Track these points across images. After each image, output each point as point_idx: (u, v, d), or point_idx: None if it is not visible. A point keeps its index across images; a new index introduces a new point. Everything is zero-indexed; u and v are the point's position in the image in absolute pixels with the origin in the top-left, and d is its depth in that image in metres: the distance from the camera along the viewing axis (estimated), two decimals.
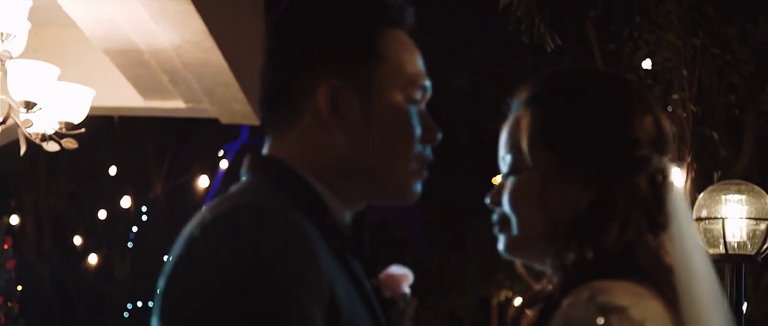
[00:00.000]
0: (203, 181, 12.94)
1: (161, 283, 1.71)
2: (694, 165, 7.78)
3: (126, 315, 12.78)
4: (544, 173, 1.87)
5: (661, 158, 1.86)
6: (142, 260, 12.77)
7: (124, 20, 6.40)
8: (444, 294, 16.76)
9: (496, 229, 1.96)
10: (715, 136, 7.83)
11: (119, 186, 12.75)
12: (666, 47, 7.88)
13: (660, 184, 1.84)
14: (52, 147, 6.12)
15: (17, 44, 5.70)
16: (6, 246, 8.39)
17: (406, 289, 1.99)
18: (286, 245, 1.64)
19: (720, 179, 7.21)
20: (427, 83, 1.89)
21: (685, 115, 7.74)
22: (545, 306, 1.83)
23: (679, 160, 7.92)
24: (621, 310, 1.68)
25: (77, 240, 13.11)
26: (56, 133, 6.08)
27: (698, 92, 7.84)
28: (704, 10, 7.66)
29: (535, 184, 1.88)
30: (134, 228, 12.81)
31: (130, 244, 12.91)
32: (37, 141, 6.11)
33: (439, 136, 1.89)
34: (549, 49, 6.32)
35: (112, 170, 12.79)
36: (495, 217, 1.96)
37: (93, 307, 12.93)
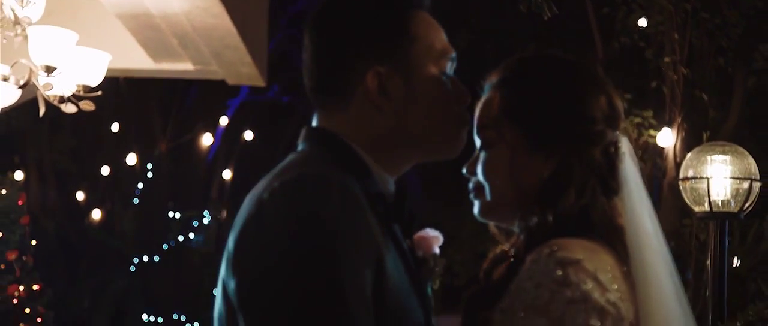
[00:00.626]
0: (206, 139, 13.11)
1: (232, 239, 1.99)
2: (684, 125, 8.02)
3: (132, 269, 12.98)
4: (512, 147, 2.14)
5: (614, 132, 2.14)
6: (147, 216, 12.99)
7: None
8: (442, 249, 16.98)
9: (471, 195, 2.23)
10: (705, 97, 8.05)
11: (123, 144, 12.92)
12: (658, 11, 8.10)
13: (612, 155, 2.12)
14: (70, 109, 6.36)
15: (36, 10, 5.93)
16: (20, 203, 8.65)
17: (436, 250, 2.29)
18: (344, 212, 1.92)
19: (709, 139, 7.44)
20: (454, 54, 2.19)
21: (675, 77, 7.97)
22: (513, 261, 2.11)
23: (669, 121, 8.18)
24: (576, 263, 1.95)
25: (82, 196, 13.29)
26: (74, 96, 6.33)
27: (689, 55, 8.05)
28: None
29: (505, 157, 2.15)
30: (140, 185, 12.98)
31: (135, 200, 13.09)
32: (56, 103, 6.35)
33: (470, 98, 2.19)
34: (546, 18, 6.58)
35: (115, 127, 12.93)
36: (471, 185, 2.23)
37: (99, 261, 13.14)
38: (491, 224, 2.25)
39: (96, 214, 13.12)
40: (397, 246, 2.07)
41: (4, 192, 8.52)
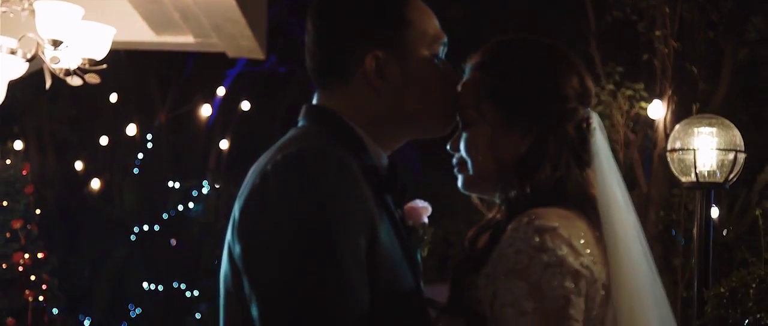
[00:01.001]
0: (205, 110, 13.26)
1: (237, 207, 2.18)
2: (675, 97, 8.19)
3: (133, 238, 13.16)
4: (492, 125, 2.32)
5: (585, 109, 2.33)
6: (147, 186, 13.16)
7: None
8: (438, 218, 17.14)
9: (455, 170, 2.41)
10: (695, 70, 8.23)
11: (123, 115, 13.05)
12: None
13: (584, 130, 2.31)
14: (75, 81, 6.53)
15: None
16: (24, 173, 8.81)
17: (425, 219, 2.48)
18: (340, 183, 2.12)
19: (699, 111, 7.63)
20: (445, 39, 2.37)
21: (666, 50, 8.15)
22: (495, 230, 2.29)
23: (660, 94, 8.36)
24: (552, 230, 2.14)
25: (81, 166, 13.42)
26: (79, 68, 6.49)
27: (680, 28, 8.23)
28: None
29: (485, 134, 2.33)
30: (140, 156, 13.14)
31: (136, 171, 13.25)
32: (62, 76, 6.52)
33: (460, 79, 2.38)
34: None
35: (113, 97, 13.03)
36: (454, 160, 2.41)
37: (100, 230, 13.31)
38: (474, 196, 2.44)
39: (96, 184, 13.26)
40: (390, 216, 2.26)
41: (8, 162, 8.68)
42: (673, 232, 8.39)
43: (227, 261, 2.21)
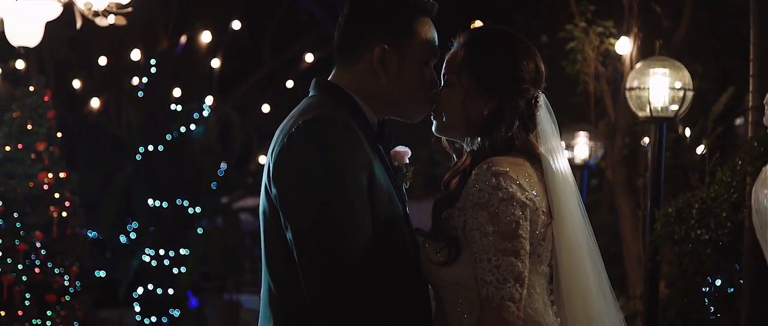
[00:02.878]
0: (206, 37, 13.76)
1: (271, 159, 3.03)
2: (640, 34, 8.98)
3: (138, 157, 13.84)
4: (466, 89, 3.13)
5: (537, 89, 3.15)
6: (152, 109, 13.77)
7: None
8: (424, 140, 17.82)
9: (432, 116, 3.22)
10: (658, 9, 9.01)
11: (128, 41, 13.41)
12: None
13: (533, 105, 3.14)
14: (103, 22, 7.32)
15: None
16: (46, 98, 9.49)
17: (407, 160, 3.32)
18: (345, 139, 2.97)
19: (661, 47, 8.43)
20: (438, 54, 3.18)
21: None
22: (463, 174, 3.14)
23: (627, 31, 9.14)
24: (505, 173, 2.96)
25: (80, 85, 13.81)
26: (106, 10, 7.27)
27: None
28: None
29: (459, 94, 3.14)
30: (145, 79, 13.68)
31: (140, 94, 13.83)
32: (91, 17, 7.29)
33: (439, 86, 3.19)
34: None
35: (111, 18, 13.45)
36: (433, 109, 3.21)
37: (108, 150, 13.99)
38: (443, 139, 3.27)
39: (96, 104, 13.70)
40: (381, 159, 3.13)
41: (31, 88, 9.32)
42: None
43: (265, 200, 3.09)
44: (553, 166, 3.09)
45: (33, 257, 8.83)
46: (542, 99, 3.18)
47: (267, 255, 3.08)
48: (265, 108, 15.53)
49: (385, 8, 3.14)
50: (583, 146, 10.25)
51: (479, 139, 3.08)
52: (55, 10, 7.17)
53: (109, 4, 7.21)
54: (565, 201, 3.05)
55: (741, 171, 5.65)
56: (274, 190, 3.00)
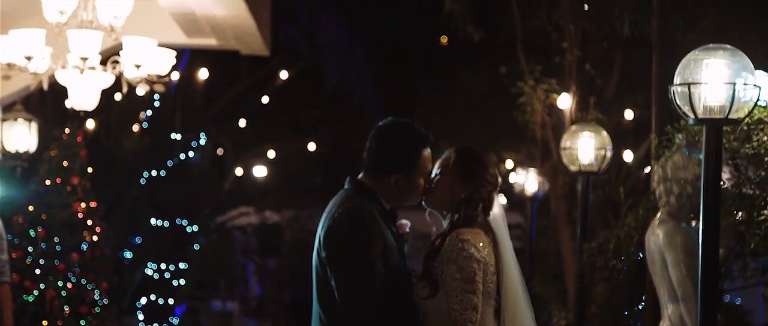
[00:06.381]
0: (203, 74, 15.37)
1: (322, 231, 4.68)
2: (578, 92, 10.75)
3: (142, 181, 15.37)
4: (452, 179, 4.72)
5: (495, 187, 4.82)
6: (154, 137, 15.30)
7: (193, 1, 9.32)
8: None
9: (423, 194, 4.75)
10: (592, 71, 10.76)
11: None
12: (559, 6, 10.81)
13: (492, 198, 4.78)
14: (144, 87, 9.03)
15: (122, 19, 8.55)
16: (79, 139, 11.07)
17: (407, 230, 5.09)
18: (371, 223, 4.63)
19: (595, 103, 10.24)
20: (430, 161, 4.81)
21: (571, 57, 10.69)
22: (443, 238, 4.67)
23: (567, 88, 10.94)
24: (467, 240, 4.53)
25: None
26: (147, 80, 8.94)
27: (582, 40, 10.74)
28: None
29: (447, 182, 4.72)
30: (148, 112, 15.21)
31: (145, 124, 15.36)
32: (135, 85, 8.98)
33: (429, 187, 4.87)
34: (475, 40, 9.41)
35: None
36: (426, 193, 4.77)
37: (114, 174, 15.48)
38: (428, 211, 4.82)
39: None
40: (390, 230, 4.76)
41: (67, 130, 10.93)
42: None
43: (317, 259, 4.68)
44: (501, 237, 4.69)
45: (69, 275, 10.29)
46: (496, 193, 4.90)
47: (318, 295, 4.68)
48: (241, 122, 16.86)
49: (402, 149, 4.71)
50: (532, 181, 12.22)
51: (455, 214, 4.68)
52: (110, 80, 8.82)
53: (150, 75, 8.84)
54: (507, 260, 4.64)
55: (643, 217, 7.40)
56: (324, 253, 4.60)
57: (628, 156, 12.54)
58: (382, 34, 21.02)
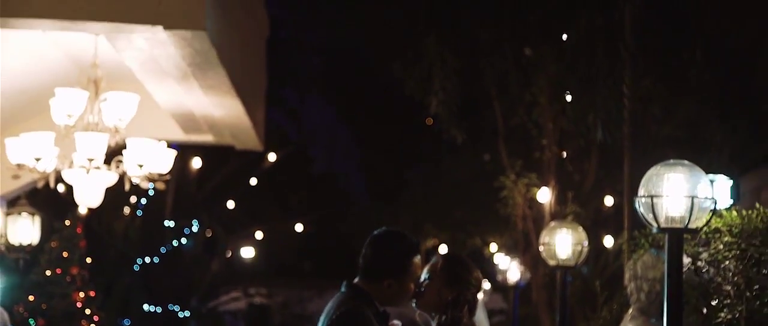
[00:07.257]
0: (196, 163, 15.95)
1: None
2: (557, 186, 11.37)
3: (136, 267, 15.87)
4: (439, 283, 5.28)
5: (478, 290, 5.46)
6: (148, 225, 15.82)
7: (192, 104, 9.88)
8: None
9: (414, 296, 5.27)
10: (570, 167, 11.42)
11: None
12: (538, 106, 11.47)
13: (475, 300, 5.42)
14: (145, 185, 9.50)
15: (126, 121, 9.05)
16: (78, 231, 11.56)
17: None
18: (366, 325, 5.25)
19: (573, 197, 10.82)
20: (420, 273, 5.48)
21: (550, 153, 11.34)
22: None
23: (547, 183, 11.55)
24: None
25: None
26: (148, 178, 9.41)
27: (560, 137, 11.39)
28: (566, 83, 11.09)
29: (435, 286, 5.23)
30: (143, 200, 15.76)
31: (139, 212, 15.89)
32: (138, 182, 9.45)
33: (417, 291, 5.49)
34: (459, 141, 10.04)
35: None
36: (417, 291, 5.37)
37: (105, 259, 15.90)
38: (420, 311, 5.34)
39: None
40: None
41: (67, 222, 11.43)
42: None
43: None
44: None
45: None
46: (479, 296, 5.44)
47: None
48: (230, 203, 17.32)
49: (395, 257, 5.16)
50: (514, 271, 12.75)
51: (443, 315, 5.15)
52: (114, 179, 9.30)
53: (151, 173, 9.32)
54: None
55: (617, 311, 7.90)
56: None
57: (608, 241, 13.01)
58: (370, 120, 21.52)
